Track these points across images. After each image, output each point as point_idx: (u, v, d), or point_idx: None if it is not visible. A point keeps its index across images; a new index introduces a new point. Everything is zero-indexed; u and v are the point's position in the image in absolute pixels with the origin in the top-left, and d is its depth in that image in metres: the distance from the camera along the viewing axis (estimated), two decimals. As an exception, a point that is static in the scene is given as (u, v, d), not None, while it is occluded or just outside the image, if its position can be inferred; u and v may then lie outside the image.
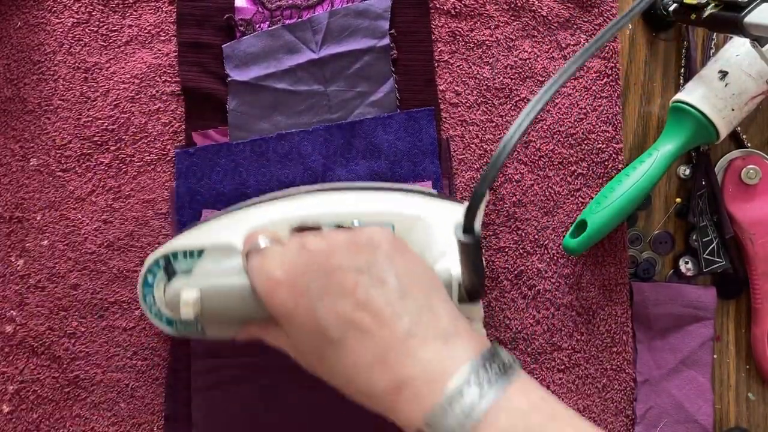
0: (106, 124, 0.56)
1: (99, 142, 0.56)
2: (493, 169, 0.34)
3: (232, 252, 0.47)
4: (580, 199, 0.57)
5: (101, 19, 0.56)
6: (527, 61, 0.57)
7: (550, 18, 0.58)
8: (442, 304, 0.39)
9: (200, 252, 0.48)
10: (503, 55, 0.57)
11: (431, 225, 0.48)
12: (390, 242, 0.40)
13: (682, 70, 0.59)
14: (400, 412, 0.36)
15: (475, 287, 0.42)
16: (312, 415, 0.55)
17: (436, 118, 0.57)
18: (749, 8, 0.46)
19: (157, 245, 0.56)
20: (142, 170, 0.56)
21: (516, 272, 0.57)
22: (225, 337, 0.47)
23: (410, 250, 0.42)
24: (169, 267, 0.48)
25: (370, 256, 0.39)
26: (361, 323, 0.37)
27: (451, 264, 0.45)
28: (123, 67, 0.56)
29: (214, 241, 0.48)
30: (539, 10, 0.57)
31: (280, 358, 0.55)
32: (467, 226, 0.36)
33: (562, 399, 0.56)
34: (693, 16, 0.52)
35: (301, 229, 0.44)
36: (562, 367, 0.56)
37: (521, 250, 0.57)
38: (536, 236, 0.57)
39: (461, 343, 0.36)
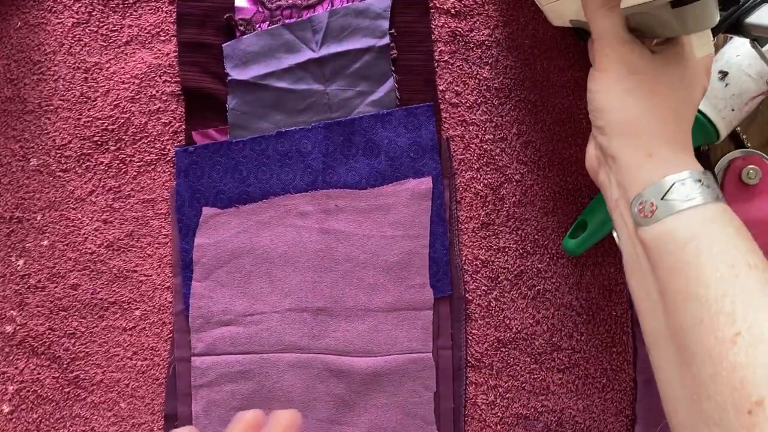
0: (106, 124, 0.56)
1: (99, 142, 0.56)
2: None
3: None
4: (580, 199, 0.57)
5: (101, 19, 0.56)
6: (527, 61, 0.57)
7: (550, 18, 0.57)
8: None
9: None
10: (503, 55, 0.57)
11: None
12: None
13: (683, 70, 0.59)
14: (639, 168, 0.39)
15: None
16: (311, 407, 0.55)
17: (436, 118, 0.57)
18: (749, 8, 0.46)
19: (157, 245, 0.56)
20: (142, 170, 0.56)
21: (516, 272, 0.57)
22: None
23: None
24: None
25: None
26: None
27: None
28: (123, 67, 0.56)
29: None
30: (539, 10, 0.57)
31: (278, 353, 0.55)
32: None
33: (562, 399, 0.56)
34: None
35: None
36: (562, 367, 0.56)
37: (521, 250, 0.57)
38: (536, 236, 0.57)
39: (696, 162, 0.40)
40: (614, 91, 0.41)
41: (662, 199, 0.37)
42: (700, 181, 0.37)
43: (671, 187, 0.37)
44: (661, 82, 0.41)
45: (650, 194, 0.38)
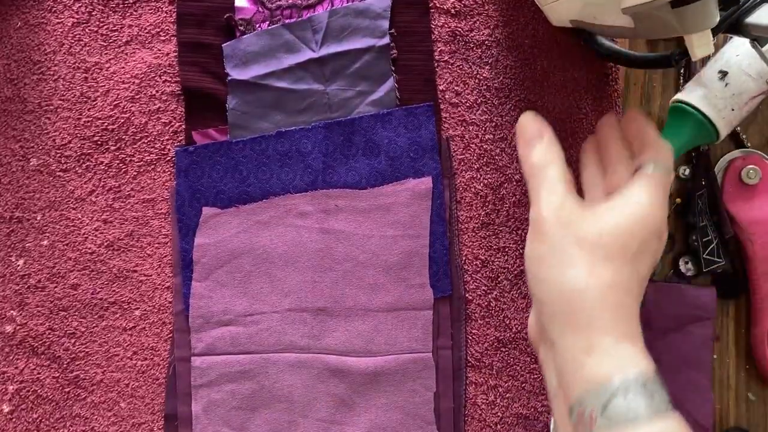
0: (106, 124, 0.56)
1: (99, 142, 0.56)
2: None
3: None
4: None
5: (101, 19, 0.56)
6: (527, 61, 0.57)
7: (550, 18, 0.57)
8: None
9: None
10: (503, 55, 0.57)
11: None
12: None
13: (682, 71, 0.59)
14: (578, 365, 0.35)
15: None
16: (311, 407, 0.55)
17: (437, 118, 0.57)
18: (749, 8, 0.46)
19: (157, 245, 0.56)
20: (142, 170, 0.56)
21: (516, 272, 0.57)
22: None
23: None
24: None
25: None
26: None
27: None
28: (123, 67, 0.56)
29: None
30: (539, 10, 0.57)
31: (278, 353, 0.55)
32: None
33: (562, 399, 0.56)
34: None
35: None
36: (562, 367, 0.56)
37: (521, 250, 0.57)
38: (536, 236, 0.57)
39: (643, 352, 0.36)
40: (552, 262, 0.37)
41: (603, 411, 0.33)
42: (645, 385, 0.33)
43: (614, 394, 0.33)
44: (606, 252, 0.36)
45: (590, 402, 0.34)
